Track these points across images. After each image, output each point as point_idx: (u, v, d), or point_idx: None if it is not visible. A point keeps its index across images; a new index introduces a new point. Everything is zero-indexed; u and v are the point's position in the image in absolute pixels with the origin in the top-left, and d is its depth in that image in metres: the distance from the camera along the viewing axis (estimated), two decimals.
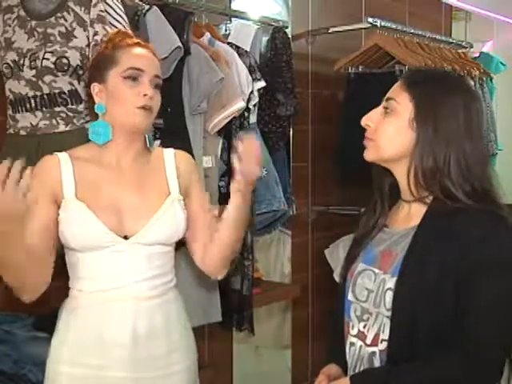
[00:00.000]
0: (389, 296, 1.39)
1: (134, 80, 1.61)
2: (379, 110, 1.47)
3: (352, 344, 1.49)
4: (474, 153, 1.41)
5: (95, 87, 1.64)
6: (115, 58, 1.62)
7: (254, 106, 2.61)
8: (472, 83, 3.60)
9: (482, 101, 1.79)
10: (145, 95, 1.60)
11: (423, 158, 1.40)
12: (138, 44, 1.66)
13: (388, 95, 1.47)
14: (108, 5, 2.04)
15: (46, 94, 2.01)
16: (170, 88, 2.22)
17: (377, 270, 1.46)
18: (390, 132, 1.44)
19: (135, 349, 1.61)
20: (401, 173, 1.46)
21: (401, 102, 1.43)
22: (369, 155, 1.48)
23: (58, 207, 1.61)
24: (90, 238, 1.59)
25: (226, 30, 2.72)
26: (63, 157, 1.64)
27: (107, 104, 1.63)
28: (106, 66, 1.63)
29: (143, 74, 1.61)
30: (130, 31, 1.89)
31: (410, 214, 1.47)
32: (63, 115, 2.02)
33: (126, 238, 1.61)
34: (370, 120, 1.47)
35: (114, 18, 2.03)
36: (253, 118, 2.63)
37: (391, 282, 1.40)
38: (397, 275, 1.39)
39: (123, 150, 1.66)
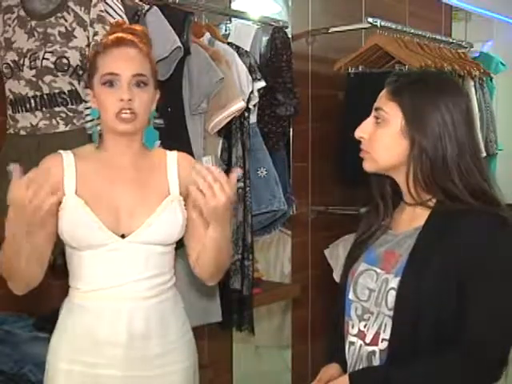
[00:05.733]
0: (391, 296, 1.40)
1: (111, 85, 1.60)
2: (371, 120, 1.48)
3: (352, 343, 1.49)
4: (470, 149, 1.41)
5: (89, 93, 1.67)
6: (95, 64, 1.63)
7: (254, 106, 2.61)
8: (472, 83, 3.61)
9: (468, 95, 1.78)
10: (121, 100, 1.58)
11: (420, 162, 1.41)
12: (119, 41, 1.62)
13: (376, 105, 1.47)
14: (108, 5, 2.04)
15: (46, 94, 2.01)
16: (170, 88, 2.22)
17: (379, 270, 1.46)
18: (384, 143, 1.45)
19: (130, 348, 1.61)
20: (401, 179, 1.47)
21: (389, 111, 1.44)
22: (368, 167, 1.49)
23: (59, 204, 1.60)
24: (86, 236, 1.59)
25: (226, 30, 2.72)
26: (66, 155, 1.65)
27: (99, 109, 1.65)
28: (91, 72, 1.65)
29: (119, 77, 1.59)
30: (124, 23, 1.85)
31: (414, 216, 1.47)
32: (63, 115, 2.02)
33: (123, 236, 1.61)
34: (363, 132, 1.48)
35: (114, 18, 2.02)
36: (253, 118, 2.63)
37: (394, 282, 1.40)
38: (400, 275, 1.39)
39: (120, 150, 1.67)
